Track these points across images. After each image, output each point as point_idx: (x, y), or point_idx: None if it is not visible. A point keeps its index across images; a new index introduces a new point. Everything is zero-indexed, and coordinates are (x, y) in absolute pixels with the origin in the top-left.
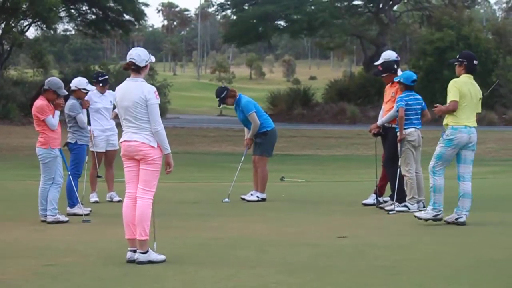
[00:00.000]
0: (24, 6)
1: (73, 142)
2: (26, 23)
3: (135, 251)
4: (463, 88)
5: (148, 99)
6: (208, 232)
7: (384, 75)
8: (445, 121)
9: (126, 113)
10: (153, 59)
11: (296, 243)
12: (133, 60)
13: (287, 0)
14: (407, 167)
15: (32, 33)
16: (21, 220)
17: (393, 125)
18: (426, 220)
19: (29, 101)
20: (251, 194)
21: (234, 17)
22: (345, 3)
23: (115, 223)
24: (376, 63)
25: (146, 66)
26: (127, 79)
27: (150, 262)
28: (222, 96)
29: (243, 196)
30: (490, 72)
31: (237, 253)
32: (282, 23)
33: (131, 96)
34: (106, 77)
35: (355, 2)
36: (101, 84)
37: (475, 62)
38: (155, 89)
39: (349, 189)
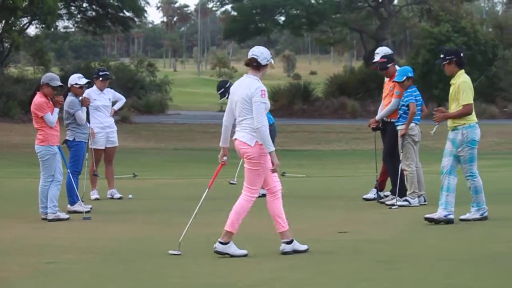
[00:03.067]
0: (23, 4)
1: (71, 139)
2: (26, 21)
3: (288, 243)
4: (472, 86)
5: (253, 96)
6: (209, 228)
7: (389, 65)
8: (459, 121)
9: (235, 107)
10: (272, 61)
11: (297, 238)
12: (255, 57)
13: None
14: (407, 161)
15: (32, 30)
16: (22, 217)
17: (392, 120)
18: (475, 220)
19: (29, 98)
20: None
21: (234, 13)
22: None
23: (115, 220)
24: (376, 60)
25: (266, 65)
26: (245, 75)
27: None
28: (227, 86)
29: None
30: (489, 64)
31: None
32: (282, 18)
33: (240, 92)
34: (107, 72)
35: None
36: (101, 79)
37: (462, 54)
38: (263, 88)
39: (349, 184)
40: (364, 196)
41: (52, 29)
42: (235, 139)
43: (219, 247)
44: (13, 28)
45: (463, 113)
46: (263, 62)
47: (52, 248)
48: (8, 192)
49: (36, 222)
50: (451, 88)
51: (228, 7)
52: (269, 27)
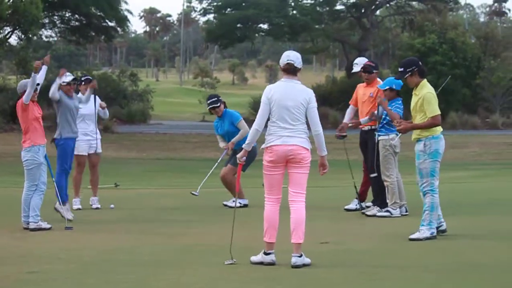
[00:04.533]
0: (7, 13)
1: (58, 137)
2: (8, 30)
3: (267, 254)
4: (436, 96)
5: (310, 101)
6: (190, 238)
7: (375, 71)
8: (424, 133)
9: (284, 112)
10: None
11: (278, 249)
12: (291, 62)
13: (268, 3)
14: (388, 172)
15: (15, 39)
16: (3, 227)
17: (373, 127)
18: (425, 239)
19: (13, 108)
20: (233, 201)
21: (216, 21)
22: (327, 8)
23: (97, 230)
24: (355, 71)
25: (300, 68)
26: (283, 79)
27: (304, 265)
28: (219, 98)
29: (225, 202)
30: (474, 75)
31: (219, 260)
32: (265, 26)
33: (296, 97)
34: (88, 76)
35: (338, 7)
36: (83, 83)
37: (421, 63)
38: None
39: (331, 194)
40: (346, 207)
41: (35, 37)
42: (282, 145)
43: (298, 261)
44: None
45: (432, 124)
46: (299, 66)
47: (34, 258)
48: None
49: (17, 231)
50: (415, 99)
51: (211, 17)
52: (251, 34)
